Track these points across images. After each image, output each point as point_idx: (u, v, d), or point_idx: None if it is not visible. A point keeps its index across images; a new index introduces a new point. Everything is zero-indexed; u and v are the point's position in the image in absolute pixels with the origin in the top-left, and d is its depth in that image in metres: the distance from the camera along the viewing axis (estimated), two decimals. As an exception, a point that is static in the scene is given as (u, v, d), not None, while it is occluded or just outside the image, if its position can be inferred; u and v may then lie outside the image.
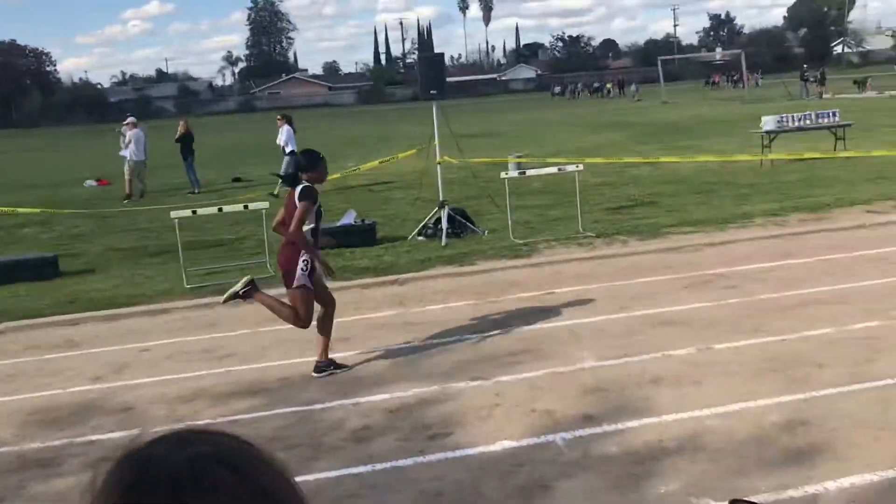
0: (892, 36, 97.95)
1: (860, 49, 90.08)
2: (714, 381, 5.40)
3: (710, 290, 7.60)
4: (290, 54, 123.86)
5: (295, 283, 5.82)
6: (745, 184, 13.35)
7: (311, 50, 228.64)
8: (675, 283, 7.92)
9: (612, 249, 9.61)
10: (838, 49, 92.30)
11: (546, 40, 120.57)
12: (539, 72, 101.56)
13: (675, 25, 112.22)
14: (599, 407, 5.18)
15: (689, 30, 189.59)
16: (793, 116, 16.23)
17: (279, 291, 6.48)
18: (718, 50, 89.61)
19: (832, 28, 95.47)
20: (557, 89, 74.65)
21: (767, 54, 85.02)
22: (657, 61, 53.81)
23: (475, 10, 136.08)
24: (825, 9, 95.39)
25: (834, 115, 16.41)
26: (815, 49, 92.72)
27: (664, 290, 7.69)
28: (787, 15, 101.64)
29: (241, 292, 6.04)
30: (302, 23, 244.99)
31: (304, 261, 5.78)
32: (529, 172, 12.00)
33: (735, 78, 57.50)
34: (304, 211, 5.71)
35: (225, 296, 6.23)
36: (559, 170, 11.44)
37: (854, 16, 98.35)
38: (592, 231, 10.44)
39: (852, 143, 16.18)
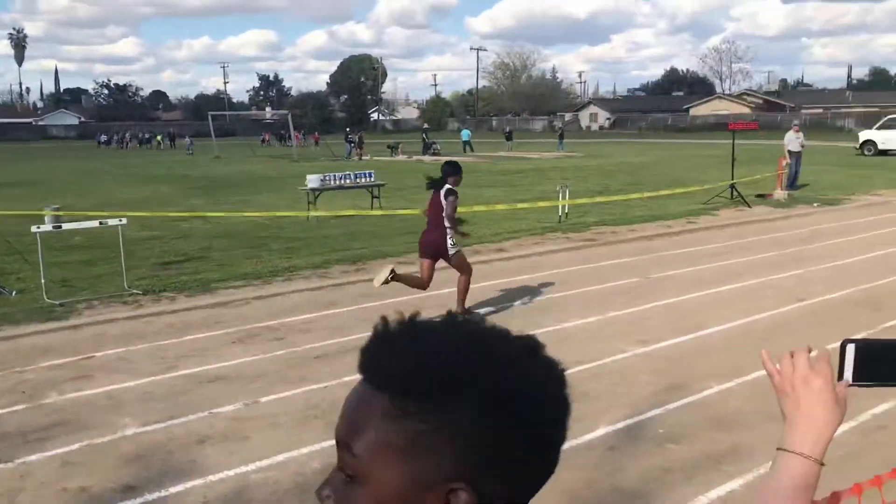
0: (417, 107, 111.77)
1: (392, 117, 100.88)
2: (260, 434, 5.45)
3: (257, 343, 7.71)
4: None
5: (453, 252, 8.22)
6: (292, 237, 13.92)
7: None
8: (223, 339, 7.87)
9: (159, 307, 9.24)
10: (374, 116, 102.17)
11: (90, 86, 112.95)
12: (82, 119, 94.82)
13: (225, 82, 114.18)
14: (141, 475, 4.88)
15: (240, 87, 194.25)
16: (335, 175, 17.49)
17: None
18: (268, 109, 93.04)
19: (369, 96, 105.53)
20: (104, 138, 70.33)
21: (313, 116, 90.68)
22: (208, 116, 54.03)
23: (5, 47, 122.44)
24: (362, 79, 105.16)
25: (370, 175, 18.08)
26: (355, 114, 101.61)
27: (213, 346, 7.60)
28: (329, 81, 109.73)
29: (389, 277, 7.93)
30: None
31: (451, 238, 8.19)
32: (66, 226, 11.02)
33: (285, 136, 60.13)
34: (455, 203, 8.15)
35: (377, 282, 8.01)
36: (100, 223, 10.72)
37: (386, 87, 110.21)
38: (139, 288, 9.94)
39: (386, 200, 17.94)
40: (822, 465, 1.09)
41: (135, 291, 9.79)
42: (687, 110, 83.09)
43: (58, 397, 6.30)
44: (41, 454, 5.20)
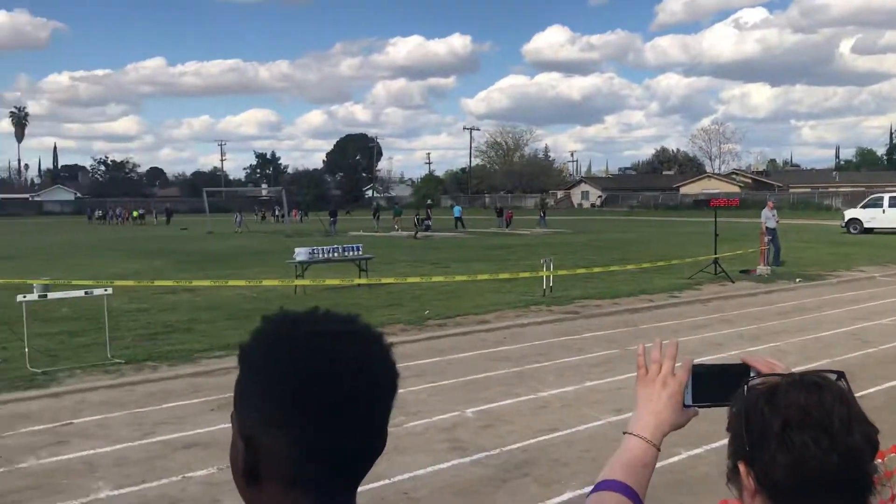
0: (410, 185, 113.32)
1: (386, 195, 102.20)
2: (232, 497, 5.49)
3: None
4: None
5: None
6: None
7: None
8: (202, 406, 7.95)
9: (141, 375, 9.32)
10: (369, 193, 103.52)
11: (88, 163, 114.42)
12: (78, 194, 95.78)
13: (222, 160, 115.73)
14: (110, 538, 4.93)
15: (238, 165, 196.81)
16: (323, 249, 17.75)
17: None
18: (264, 186, 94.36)
19: (364, 174, 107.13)
20: (99, 213, 70.97)
21: (308, 193, 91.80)
22: (203, 192, 54.77)
23: (6, 125, 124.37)
24: (357, 157, 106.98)
25: (358, 249, 18.35)
26: (350, 191, 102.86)
27: (191, 413, 7.67)
28: (325, 160, 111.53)
29: None
30: None
31: None
32: (52, 295, 11.16)
33: (279, 213, 60.78)
34: None
35: None
36: (86, 293, 10.87)
37: (382, 165, 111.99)
38: (122, 358, 10.03)
39: (374, 273, 18.15)
40: (659, 450, 1.32)
41: (118, 361, 9.87)
42: (677, 189, 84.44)
43: (34, 461, 6.36)
44: (13, 517, 5.24)
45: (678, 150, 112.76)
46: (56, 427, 7.32)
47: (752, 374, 1.23)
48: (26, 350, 9.53)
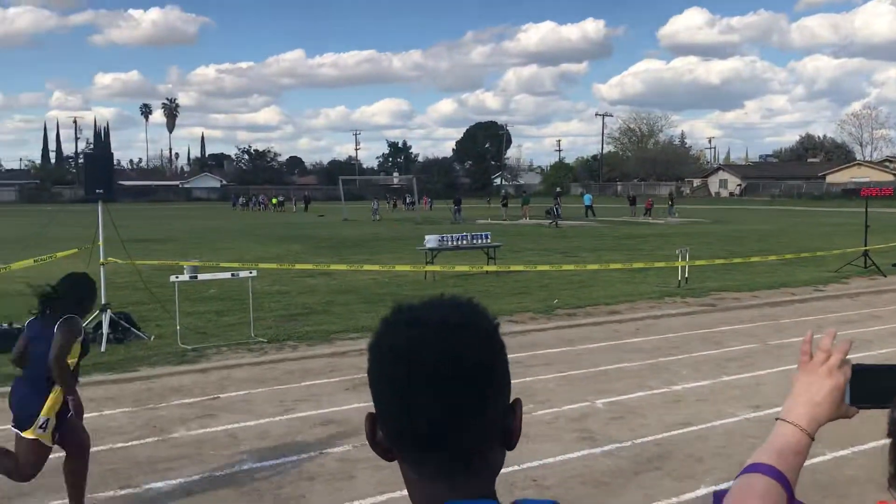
0: (540, 173, 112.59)
1: (515, 182, 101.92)
2: (366, 474, 5.68)
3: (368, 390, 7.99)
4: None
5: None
6: (409, 294, 14.34)
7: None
8: (338, 385, 8.23)
9: (282, 354, 9.75)
10: (497, 181, 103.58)
11: (232, 152, 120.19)
12: (224, 182, 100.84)
13: (356, 149, 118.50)
14: (254, 506, 5.20)
15: (371, 154, 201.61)
16: (452, 236, 17.96)
17: None
18: (395, 174, 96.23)
19: (493, 162, 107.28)
20: (242, 200, 74.51)
21: (438, 181, 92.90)
22: (339, 181, 56.51)
23: (158, 115, 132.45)
24: (487, 145, 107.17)
25: (486, 237, 18.44)
26: (478, 179, 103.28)
27: (327, 392, 7.97)
28: (455, 148, 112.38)
29: None
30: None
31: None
32: (201, 277, 11.85)
33: (409, 201, 61.80)
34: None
35: None
36: (232, 275, 11.46)
37: (511, 153, 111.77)
38: (264, 337, 10.53)
39: (502, 261, 18.20)
40: (812, 440, 1.26)
41: (260, 339, 10.37)
42: (823, 177, 79.90)
43: (185, 432, 6.78)
44: (167, 482, 5.63)
45: (825, 136, 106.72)
46: (204, 401, 7.78)
47: None
48: (178, 328, 10.16)
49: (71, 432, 4.93)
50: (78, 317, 4.88)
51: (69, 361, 4.76)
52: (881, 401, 1.28)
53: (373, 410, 1.04)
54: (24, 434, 4.71)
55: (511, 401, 1.05)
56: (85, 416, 5.04)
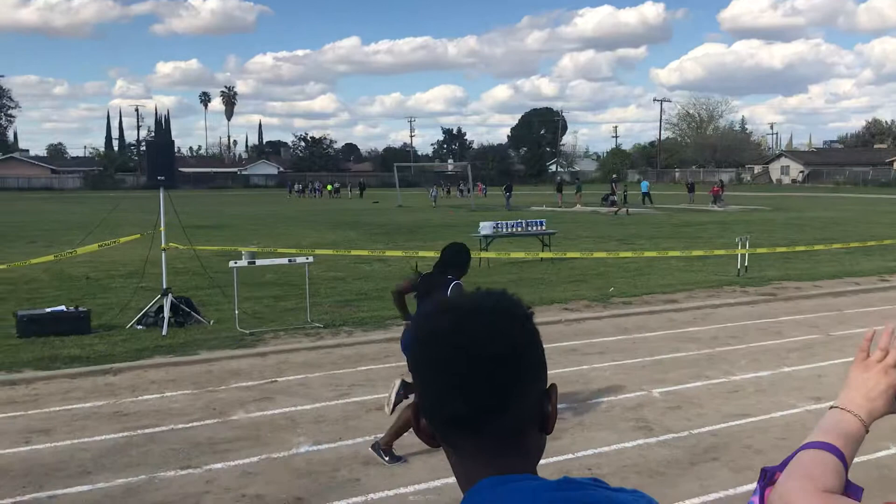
0: (596, 159, 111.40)
1: (570, 169, 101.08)
2: (421, 460, 5.72)
3: (424, 377, 8.05)
4: (10, 133, 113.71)
5: None
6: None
7: (35, 130, 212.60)
8: (392, 371, 8.26)
9: (337, 339, 9.87)
10: (552, 168, 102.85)
11: (289, 139, 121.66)
12: (281, 168, 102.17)
13: (411, 136, 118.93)
14: (310, 489, 5.29)
15: (426, 141, 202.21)
16: (507, 223, 17.90)
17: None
18: (450, 161, 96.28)
19: (548, 149, 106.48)
20: (298, 187, 75.40)
21: (493, 168, 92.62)
22: (394, 167, 56.79)
23: (217, 103, 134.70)
24: (542, 132, 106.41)
25: (541, 224, 18.33)
26: (533, 166, 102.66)
27: (382, 377, 8.03)
28: (510, 134, 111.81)
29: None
30: (26, 101, 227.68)
31: None
32: (259, 262, 12.04)
33: (464, 188, 61.71)
34: None
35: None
36: (290, 261, 11.62)
37: (566, 140, 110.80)
38: (320, 322, 10.66)
39: (557, 248, 18.08)
40: (867, 431, 1.24)
41: (316, 325, 10.51)
42: (891, 163, 77.38)
43: (243, 415, 6.93)
44: (226, 463, 5.76)
45: (892, 121, 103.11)
46: (262, 384, 7.93)
47: None
48: (236, 312, 10.35)
49: None
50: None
51: None
52: None
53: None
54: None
55: (547, 386, 1.07)
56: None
